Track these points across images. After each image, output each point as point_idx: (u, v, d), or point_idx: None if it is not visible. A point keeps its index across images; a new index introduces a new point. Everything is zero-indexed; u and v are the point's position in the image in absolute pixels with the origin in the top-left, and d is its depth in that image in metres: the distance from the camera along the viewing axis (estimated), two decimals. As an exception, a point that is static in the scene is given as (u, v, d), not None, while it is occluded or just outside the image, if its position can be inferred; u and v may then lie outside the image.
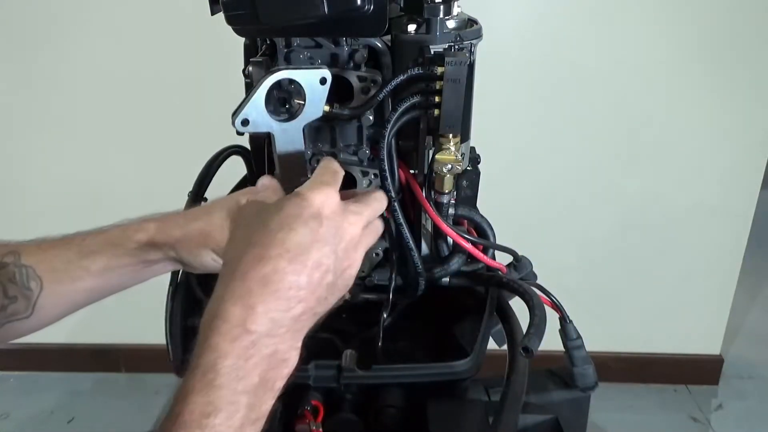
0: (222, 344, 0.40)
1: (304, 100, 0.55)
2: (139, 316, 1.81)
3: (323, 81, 0.54)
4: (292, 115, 0.56)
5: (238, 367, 0.39)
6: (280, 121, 0.55)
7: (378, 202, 0.55)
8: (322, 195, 0.47)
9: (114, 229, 0.58)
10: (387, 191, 0.59)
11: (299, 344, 0.44)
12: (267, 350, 0.41)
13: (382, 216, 0.57)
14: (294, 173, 0.56)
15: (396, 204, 0.61)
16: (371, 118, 0.62)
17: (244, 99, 0.54)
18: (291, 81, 0.55)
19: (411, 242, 0.63)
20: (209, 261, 0.55)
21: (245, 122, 0.54)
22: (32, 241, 0.60)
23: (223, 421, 0.38)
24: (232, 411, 0.38)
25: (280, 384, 0.42)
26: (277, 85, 0.54)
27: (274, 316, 0.41)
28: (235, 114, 0.53)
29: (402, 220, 0.62)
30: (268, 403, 0.41)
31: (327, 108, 0.56)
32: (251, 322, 0.40)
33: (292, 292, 0.42)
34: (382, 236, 0.67)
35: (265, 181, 0.59)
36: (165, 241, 0.56)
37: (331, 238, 0.46)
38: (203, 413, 0.38)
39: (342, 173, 0.53)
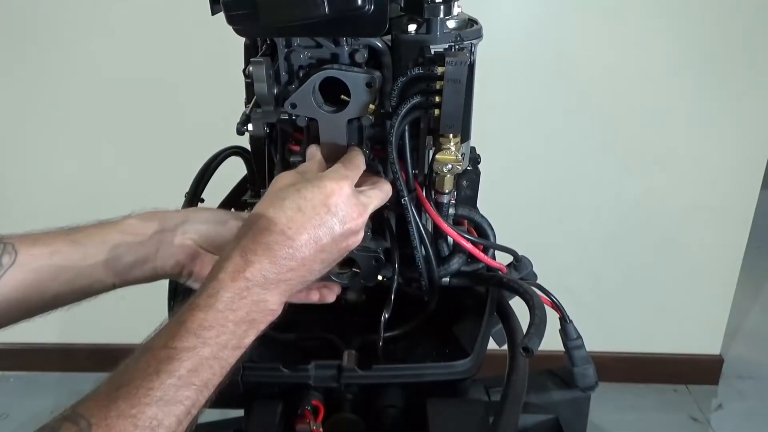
0: (225, 280, 0.50)
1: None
2: (139, 316, 1.81)
3: (369, 84, 0.59)
4: (337, 108, 0.61)
5: (233, 300, 0.49)
6: (324, 111, 0.61)
7: (384, 194, 0.60)
8: (337, 185, 0.54)
9: (113, 219, 0.62)
10: (399, 191, 0.61)
11: (284, 299, 0.53)
12: (257, 297, 0.50)
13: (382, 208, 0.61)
14: (332, 160, 0.61)
15: (408, 201, 0.62)
16: (371, 117, 0.62)
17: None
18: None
19: (423, 237, 0.64)
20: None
21: (293, 105, 0.60)
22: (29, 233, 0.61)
23: (212, 336, 0.48)
24: (220, 331, 0.48)
25: (262, 326, 0.51)
26: (331, 80, 0.59)
27: (266, 274, 0.50)
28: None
29: (416, 218, 0.63)
30: (249, 337, 0.50)
31: (372, 107, 0.60)
32: (248, 271, 0.50)
33: (285, 261, 0.51)
34: (383, 236, 0.67)
35: (313, 149, 0.62)
36: (148, 255, 0.61)
37: (335, 225, 0.53)
38: (201, 326, 0.47)
39: (363, 168, 0.59)
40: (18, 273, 0.57)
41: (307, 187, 0.53)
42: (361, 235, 0.57)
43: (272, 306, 0.51)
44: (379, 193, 0.59)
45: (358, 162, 0.59)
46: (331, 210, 0.53)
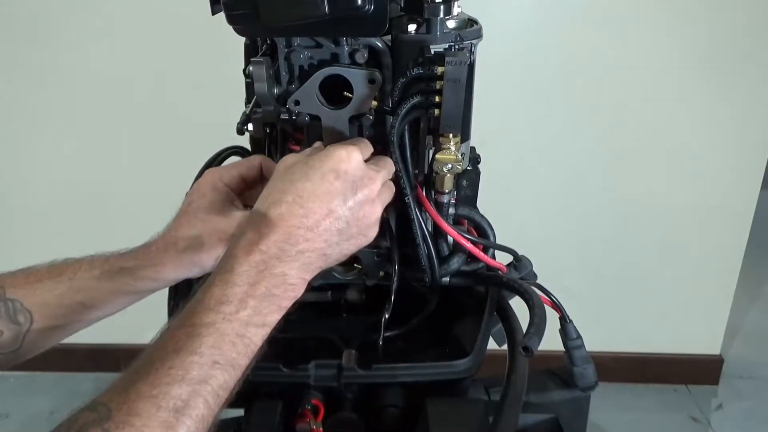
0: (239, 254, 0.48)
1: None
2: (139, 316, 1.81)
3: (372, 81, 0.59)
4: (339, 105, 0.61)
5: (250, 274, 0.48)
6: (328, 108, 0.61)
7: (391, 165, 0.60)
8: (344, 152, 0.53)
9: (104, 262, 0.60)
10: (403, 188, 0.61)
11: (307, 277, 0.51)
12: (276, 270, 0.49)
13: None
14: None
15: (411, 199, 0.62)
16: (371, 117, 0.62)
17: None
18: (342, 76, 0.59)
19: (426, 235, 0.64)
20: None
21: (297, 102, 0.60)
22: (17, 272, 0.60)
23: (232, 311, 0.46)
24: (240, 306, 0.46)
25: (286, 304, 0.49)
26: (332, 80, 0.59)
27: (281, 245, 0.49)
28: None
29: (419, 216, 0.63)
30: (273, 315, 0.48)
31: (375, 103, 0.60)
32: (262, 243, 0.49)
33: (300, 231, 0.50)
34: (383, 236, 0.67)
35: (318, 144, 0.62)
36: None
37: (347, 191, 0.52)
38: (219, 301, 0.46)
39: (371, 149, 0.58)
40: (43, 330, 0.59)
41: (314, 157, 0.53)
42: (378, 208, 0.55)
43: (292, 280, 0.49)
44: (387, 164, 0.58)
45: (365, 141, 0.59)
46: (340, 176, 0.52)
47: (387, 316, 0.65)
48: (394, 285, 0.66)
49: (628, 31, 1.58)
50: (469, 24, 0.62)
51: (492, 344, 0.67)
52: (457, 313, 0.72)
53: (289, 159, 0.55)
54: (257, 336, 0.47)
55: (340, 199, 0.51)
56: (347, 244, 0.53)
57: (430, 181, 0.63)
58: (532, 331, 0.56)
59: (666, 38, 1.59)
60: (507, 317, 0.66)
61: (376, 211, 0.55)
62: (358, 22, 0.52)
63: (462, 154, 0.61)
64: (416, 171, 0.64)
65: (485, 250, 0.68)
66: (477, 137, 0.67)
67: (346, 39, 0.59)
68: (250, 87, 0.66)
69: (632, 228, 1.80)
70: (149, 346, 0.45)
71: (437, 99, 0.57)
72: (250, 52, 0.68)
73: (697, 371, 1.98)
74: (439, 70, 0.56)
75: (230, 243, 0.51)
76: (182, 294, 0.68)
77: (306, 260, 0.50)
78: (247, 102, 0.68)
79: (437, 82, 0.56)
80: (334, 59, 0.60)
